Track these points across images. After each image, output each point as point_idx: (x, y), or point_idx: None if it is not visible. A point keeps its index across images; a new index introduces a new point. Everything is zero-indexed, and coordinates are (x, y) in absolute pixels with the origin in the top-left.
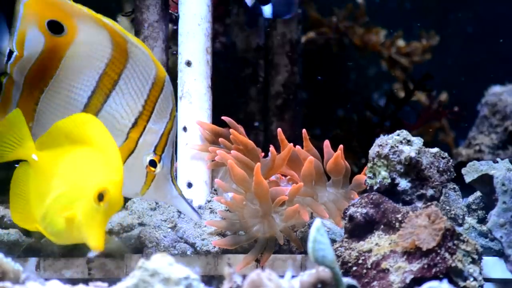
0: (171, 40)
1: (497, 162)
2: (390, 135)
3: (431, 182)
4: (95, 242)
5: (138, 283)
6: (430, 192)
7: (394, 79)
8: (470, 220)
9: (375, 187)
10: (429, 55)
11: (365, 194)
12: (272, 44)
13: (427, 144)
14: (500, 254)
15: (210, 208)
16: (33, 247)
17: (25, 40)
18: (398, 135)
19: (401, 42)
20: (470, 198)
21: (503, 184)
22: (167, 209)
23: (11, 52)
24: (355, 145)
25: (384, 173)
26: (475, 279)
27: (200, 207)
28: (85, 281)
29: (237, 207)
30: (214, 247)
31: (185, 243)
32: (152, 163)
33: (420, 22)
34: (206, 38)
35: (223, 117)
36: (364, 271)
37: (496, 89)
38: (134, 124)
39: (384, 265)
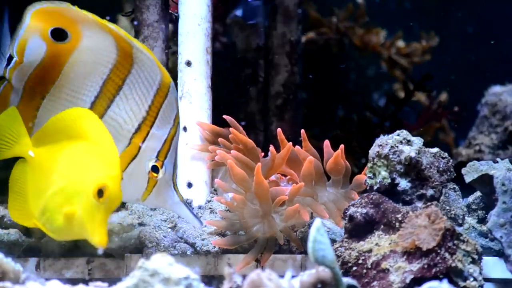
0: (171, 40)
1: (497, 162)
2: (390, 135)
3: (431, 182)
4: (98, 238)
5: (138, 283)
6: (430, 192)
7: (394, 79)
8: (470, 220)
9: (375, 187)
10: (429, 56)
11: (365, 194)
12: (272, 44)
13: (427, 144)
14: (500, 254)
15: (210, 208)
16: (33, 247)
17: (25, 48)
18: (398, 135)
19: (401, 43)
20: (470, 198)
21: (503, 184)
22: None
23: (11, 58)
24: (355, 145)
25: (384, 173)
26: (475, 279)
27: (200, 207)
28: (85, 281)
29: (237, 207)
30: (214, 247)
31: (185, 243)
32: (155, 169)
33: (420, 23)
34: (206, 38)
35: (224, 116)
36: (364, 271)
37: (496, 89)
38: (138, 130)
39: (384, 265)
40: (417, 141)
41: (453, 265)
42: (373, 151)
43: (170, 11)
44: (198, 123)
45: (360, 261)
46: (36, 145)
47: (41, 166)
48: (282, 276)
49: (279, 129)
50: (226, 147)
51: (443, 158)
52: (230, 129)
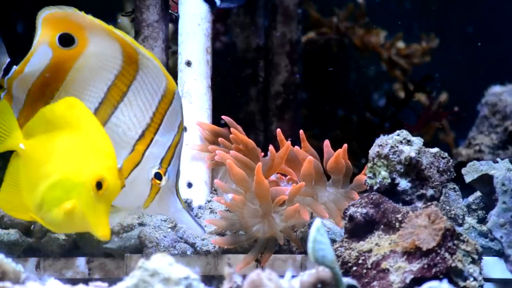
0: (171, 40)
1: (497, 162)
2: (390, 135)
3: (431, 182)
4: (102, 231)
5: (138, 283)
6: (430, 192)
7: (394, 79)
8: (470, 220)
9: (375, 187)
10: (429, 57)
11: (365, 194)
12: (272, 44)
13: (427, 144)
14: (500, 254)
15: (210, 208)
16: (33, 247)
17: (31, 57)
18: (398, 135)
19: (401, 44)
20: (470, 198)
21: (503, 184)
22: None
23: (9, 67)
24: (355, 146)
25: (384, 173)
26: (475, 279)
27: (200, 207)
28: (85, 281)
29: (237, 208)
30: (214, 247)
31: (185, 243)
32: (158, 176)
33: (420, 23)
34: (206, 38)
35: (223, 117)
36: (364, 271)
37: (496, 89)
38: (141, 136)
39: (384, 265)
40: (417, 141)
41: (453, 265)
42: (373, 151)
43: (170, 11)
44: (198, 123)
45: (360, 261)
46: (27, 137)
47: (33, 159)
48: (282, 276)
49: (278, 130)
50: (226, 147)
51: (443, 158)
52: (231, 129)
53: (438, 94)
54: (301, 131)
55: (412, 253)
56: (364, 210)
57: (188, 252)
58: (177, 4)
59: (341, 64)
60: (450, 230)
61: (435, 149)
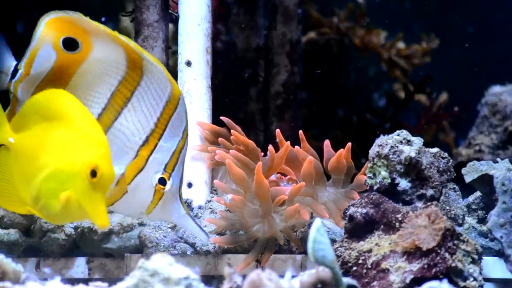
0: (171, 40)
1: (497, 162)
2: (390, 135)
3: (431, 182)
4: (100, 219)
5: (138, 283)
6: (430, 192)
7: (394, 80)
8: (470, 220)
9: (375, 187)
10: (429, 58)
11: (365, 194)
12: (272, 44)
13: (427, 144)
14: (500, 254)
15: (210, 208)
16: (33, 247)
17: (35, 59)
18: (398, 135)
19: (401, 44)
20: (470, 198)
21: (503, 184)
22: None
23: (16, 70)
24: (355, 146)
25: (384, 173)
26: (475, 279)
27: (200, 207)
28: (85, 281)
29: (237, 208)
30: (214, 247)
31: (185, 243)
32: (162, 181)
33: (420, 23)
34: (206, 38)
35: (221, 118)
36: (364, 271)
37: (496, 89)
38: (145, 142)
39: (384, 265)
40: (417, 141)
41: (453, 265)
42: (373, 151)
43: (170, 11)
44: (198, 123)
45: (360, 261)
46: (16, 131)
47: (24, 152)
48: (282, 276)
49: (277, 130)
50: (226, 147)
51: (443, 158)
52: (232, 131)
53: (438, 94)
54: (300, 132)
55: (412, 253)
56: (364, 210)
57: (188, 252)
58: (177, 4)
59: (341, 64)
60: (450, 230)
61: (435, 149)
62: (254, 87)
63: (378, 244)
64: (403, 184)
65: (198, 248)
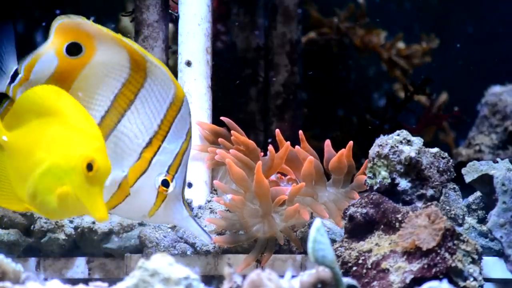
0: (171, 40)
1: (497, 162)
2: (390, 135)
3: (431, 182)
4: (99, 212)
5: (138, 283)
6: (430, 192)
7: (394, 80)
8: (470, 220)
9: (375, 187)
10: (429, 58)
11: (365, 194)
12: (272, 44)
13: (427, 144)
14: (500, 254)
15: (210, 208)
16: (33, 247)
17: (35, 64)
18: (398, 135)
19: (401, 44)
20: (470, 198)
21: (503, 184)
22: None
23: (16, 74)
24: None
25: (384, 173)
26: (475, 279)
27: (200, 207)
28: (85, 281)
29: (236, 208)
30: (214, 247)
31: (185, 243)
32: (165, 183)
33: (421, 23)
34: (206, 38)
35: (222, 118)
36: (364, 271)
37: (496, 89)
38: (148, 144)
39: (384, 265)
40: (417, 141)
41: (453, 265)
42: (373, 151)
43: (170, 11)
44: (198, 123)
45: (360, 261)
46: (9, 129)
47: (19, 149)
48: (282, 276)
49: (277, 130)
50: (226, 147)
51: (443, 158)
52: (232, 131)
53: (438, 95)
54: (300, 132)
55: (412, 253)
56: (364, 210)
57: (188, 252)
58: (177, 4)
59: (341, 64)
60: (450, 230)
61: (435, 149)
62: (254, 87)
63: (378, 244)
64: (403, 184)
65: (198, 248)
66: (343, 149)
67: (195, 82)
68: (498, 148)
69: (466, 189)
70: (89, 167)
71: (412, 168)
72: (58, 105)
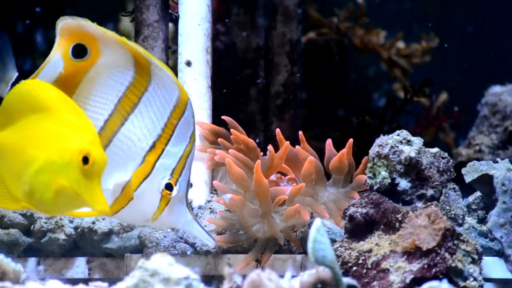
0: (171, 40)
1: (497, 162)
2: (390, 135)
3: (431, 182)
4: (99, 205)
5: (138, 283)
6: (430, 192)
7: (394, 79)
8: (470, 220)
9: (375, 187)
10: (429, 57)
11: (365, 194)
12: (272, 44)
13: (427, 144)
14: (500, 254)
15: (210, 208)
16: (33, 247)
17: (43, 69)
18: (398, 135)
19: (401, 44)
20: (470, 198)
21: (503, 184)
22: None
23: (17, 81)
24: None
25: (384, 173)
26: (475, 279)
27: (200, 207)
28: (85, 281)
29: (236, 208)
30: (214, 247)
31: (185, 243)
32: (168, 187)
33: (420, 23)
34: (206, 38)
35: (223, 117)
36: (364, 271)
37: (496, 89)
38: (152, 147)
39: (384, 265)
40: (417, 141)
41: (453, 265)
42: (373, 151)
43: (170, 11)
44: (197, 123)
45: (360, 261)
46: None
47: (10, 149)
48: (282, 276)
49: (278, 130)
50: (225, 147)
51: (443, 158)
52: (231, 130)
53: (438, 94)
54: (300, 132)
55: (412, 253)
56: (364, 210)
57: (188, 252)
58: (177, 4)
59: (341, 64)
60: (450, 230)
61: (435, 149)
62: (254, 87)
63: (378, 244)
64: (403, 184)
65: (198, 248)
66: (344, 149)
67: (195, 82)
68: (498, 148)
69: (466, 189)
70: (85, 160)
71: (412, 168)
72: (47, 100)
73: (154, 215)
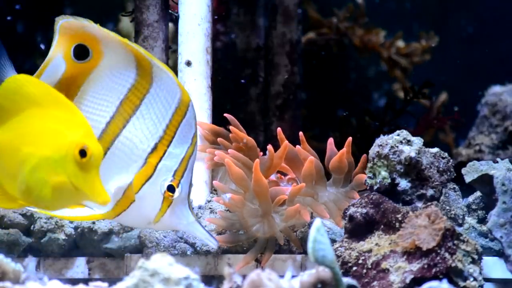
0: (171, 40)
1: (497, 162)
2: (390, 135)
3: (431, 182)
4: (100, 196)
5: (138, 283)
6: (430, 192)
7: (394, 79)
8: (470, 220)
9: (375, 187)
10: (429, 55)
11: (365, 194)
12: (272, 44)
13: (427, 144)
14: (500, 254)
15: (210, 208)
16: (33, 247)
17: (45, 70)
18: (398, 135)
19: (400, 43)
20: (470, 198)
21: (503, 184)
22: None
23: None
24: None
25: (384, 173)
26: (475, 279)
27: (200, 207)
28: (85, 281)
29: (236, 208)
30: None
31: (185, 243)
32: (171, 188)
33: (420, 23)
34: (206, 38)
35: (225, 115)
36: (364, 271)
37: (496, 89)
38: (154, 149)
39: (384, 265)
40: (417, 141)
41: (453, 265)
42: (373, 151)
43: (170, 11)
44: (197, 123)
45: (360, 261)
46: None
47: (3, 148)
48: (282, 276)
49: (279, 129)
50: (225, 147)
51: (443, 158)
52: (230, 127)
53: (438, 94)
54: (300, 133)
55: (412, 253)
56: (364, 210)
57: (188, 252)
58: (177, 4)
59: (341, 64)
60: (450, 230)
61: (435, 149)
62: (254, 87)
63: (378, 244)
64: (403, 184)
65: (198, 248)
66: (343, 149)
67: (195, 82)
68: (498, 148)
69: (466, 189)
70: (82, 153)
71: (412, 168)
72: (37, 97)
73: (156, 217)
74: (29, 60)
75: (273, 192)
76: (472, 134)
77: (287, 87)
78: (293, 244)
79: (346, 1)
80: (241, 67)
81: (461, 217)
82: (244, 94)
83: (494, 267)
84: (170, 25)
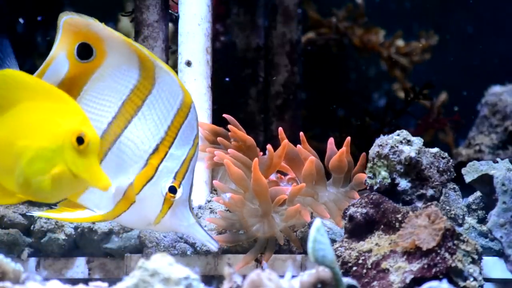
0: (171, 40)
1: (497, 162)
2: (390, 135)
3: (431, 182)
4: (101, 181)
5: (138, 283)
6: (430, 192)
7: (394, 79)
8: (470, 220)
9: (375, 187)
10: (428, 54)
11: (365, 194)
12: (272, 44)
13: (427, 144)
14: (500, 254)
15: (210, 208)
16: (33, 247)
17: (47, 69)
18: (398, 135)
19: (400, 42)
20: (470, 198)
21: (503, 184)
22: None
23: None
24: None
25: (384, 173)
26: (475, 279)
27: (200, 207)
28: (85, 281)
29: (236, 207)
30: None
31: (185, 243)
32: (172, 190)
33: (420, 23)
34: (206, 38)
35: (224, 115)
36: (364, 271)
37: (496, 89)
38: (155, 150)
39: (384, 265)
40: (417, 141)
41: (453, 265)
42: (373, 151)
43: (170, 11)
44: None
45: (360, 261)
46: None
47: None
48: (282, 276)
49: (280, 129)
50: (225, 147)
51: (443, 158)
52: (229, 126)
53: (438, 94)
54: (301, 133)
55: (412, 253)
56: (364, 210)
57: (188, 252)
58: (177, 4)
59: (341, 64)
60: (450, 230)
61: (435, 149)
62: (254, 87)
63: (378, 244)
64: (403, 184)
65: (198, 248)
66: (343, 148)
67: (195, 82)
68: (498, 148)
69: (466, 189)
70: (79, 140)
71: (412, 168)
72: (27, 90)
73: (157, 218)
74: (29, 60)
75: (273, 192)
76: (472, 134)
77: (287, 87)
78: (293, 244)
79: (345, 1)
80: (241, 67)
81: (461, 217)
82: (244, 94)
83: (494, 267)
84: (170, 25)
